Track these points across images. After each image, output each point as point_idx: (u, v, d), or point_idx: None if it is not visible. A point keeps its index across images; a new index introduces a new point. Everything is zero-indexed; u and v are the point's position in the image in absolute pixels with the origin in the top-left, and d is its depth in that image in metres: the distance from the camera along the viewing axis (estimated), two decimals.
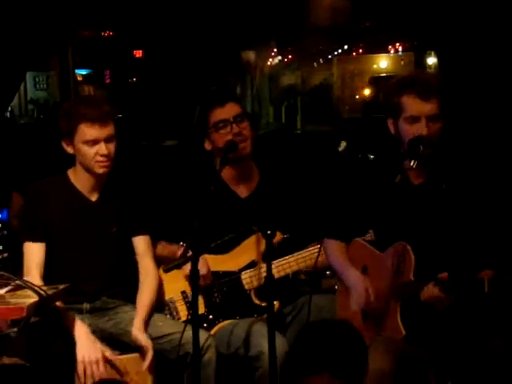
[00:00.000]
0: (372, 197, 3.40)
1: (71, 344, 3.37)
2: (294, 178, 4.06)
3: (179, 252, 3.69)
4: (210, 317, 3.77)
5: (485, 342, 3.14)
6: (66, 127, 3.56)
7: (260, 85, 25.88)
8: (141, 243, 3.70)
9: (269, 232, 3.20)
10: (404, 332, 3.16)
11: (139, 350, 3.48)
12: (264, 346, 3.45)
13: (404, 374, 3.06)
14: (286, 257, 3.77)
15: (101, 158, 3.53)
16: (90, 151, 3.53)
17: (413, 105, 3.23)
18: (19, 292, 3.02)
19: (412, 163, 3.19)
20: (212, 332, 3.69)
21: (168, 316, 3.76)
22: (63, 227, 3.61)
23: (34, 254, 3.56)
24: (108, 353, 3.40)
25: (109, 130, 3.54)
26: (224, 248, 3.72)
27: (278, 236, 3.72)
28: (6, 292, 3.02)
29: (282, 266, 3.76)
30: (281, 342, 3.39)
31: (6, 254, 4.08)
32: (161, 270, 3.74)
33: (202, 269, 3.61)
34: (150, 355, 3.43)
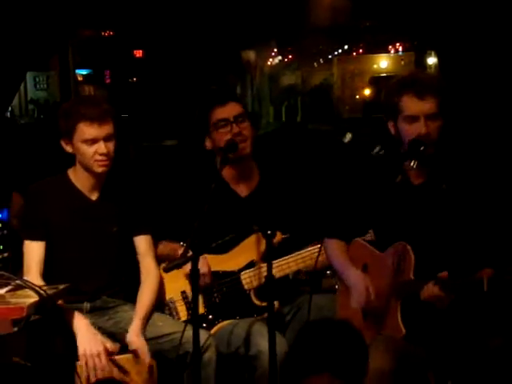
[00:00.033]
0: (373, 197, 3.40)
1: (71, 343, 3.37)
2: (294, 178, 4.06)
3: (180, 250, 3.70)
4: (210, 317, 3.77)
5: (485, 341, 3.14)
6: (65, 126, 3.57)
7: (260, 85, 25.88)
8: (142, 243, 3.70)
9: (269, 232, 3.20)
10: (404, 331, 3.16)
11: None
12: (263, 345, 3.46)
13: (404, 374, 3.06)
14: (286, 257, 3.77)
15: (100, 157, 3.54)
16: (89, 150, 3.53)
17: (411, 104, 3.24)
18: (19, 292, 3.03)
19: (412, 163, 3.20)
20: (212, 332, 3.69)
21: (168, 316, 3.76)
22: (63, 226, 3.61)
23: (34, 252, 3.56)
24: (109, 344, 3.40)
25: (108, 129, 3.54)
26: (223, 248, 3.72)
27: (278, 236, 3.72)
28: (7, 292, 3.02)
29: (282, 267, 3.76)
30: (280, 342, 3.39)
31: (6, 254, 4.08)
32: (161, 270, 3.74)
33: (203, 268, 3.61)
34: (145, 358, 3.42)
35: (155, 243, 3.78)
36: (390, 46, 26.44)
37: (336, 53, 27.33)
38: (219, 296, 3.79)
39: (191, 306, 3.70)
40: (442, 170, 3.33)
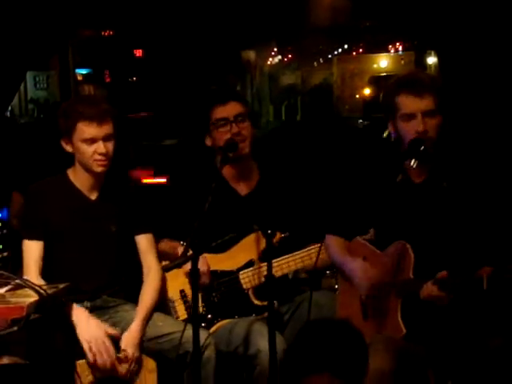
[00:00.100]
0: (373, 195, 3.40)
1: (71, 342, 3.37)
2: (294, 177, 4.06)
3: (179, 248, 3.70)
4: (209, 316, 3.77)
5: (485, 340, 3.14)
6: (64, 126, 3.57)
7: (260, 84, 25.88)
8: (143, 241, 3.71)
9: (269, 231, 3.20)
10: (404, 330, 3.16)
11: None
12: (262, 344, 3.46)
13: (404, 373, 3.06)
14: (285, 256, 3.77)
15: (99, 157, 3.54)
16: (89, 150, 3.53)
17: (408, 102, 3.25)
18: (19, 291, 3.03)
19: (412, 163, 3.20)
20: (211, 331, 3.69)
21: (168, 315, 3.76)
22: (63, 226, 3.62)
23: (33, 252, 3.57)
24: (110, 329, 3.41)
25: (107, 129, 3.55)
26: (222, 247, 3.72)
27: (277, 235, 3.72)
28: (6, 291, 3.02)
29: (280, 266, 3.76)
30: (278, 341, 3.39)
31: (5, 253, 4.09)
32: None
33: (202, 267, 3.61)
34: (125, 366, 3.42)
35: (156, 242, 3.78)
36: (390, 46, 26.44)
37: (336, 52, 27.34)
38: (218, 295, 3.79)
39: (190, 305, 3.71)
40: (442, 168, 3.34)
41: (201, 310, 3.72)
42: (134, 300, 3.65)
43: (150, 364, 3.53)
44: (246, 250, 3.79)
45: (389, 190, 3.34)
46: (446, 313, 3.16)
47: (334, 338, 2.62)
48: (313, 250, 3.74)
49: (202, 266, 3.54)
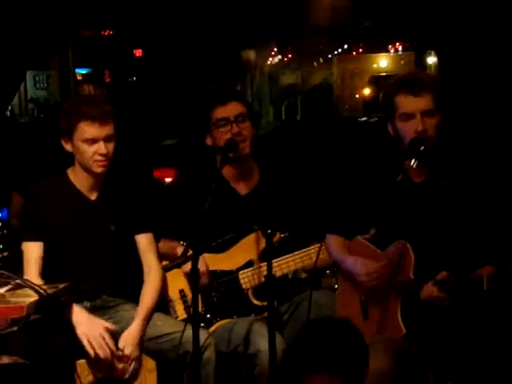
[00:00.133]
0: (373, 195, 3.40)
1: (71, 342, 3.37)
2: (294, 177, 4.06)
3: (178, 249, 3.70)
4: (208, 316, 3.77)
5: (484, 341, 3.14)
6: (65, 125, 3.57)
7: (260, 84, 25.91)
8: (143, 241, 3.70)
9: (269, 231, 3.20)
10: (404, 330, 3.16)
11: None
12: (261, 344, 3.46)
13: (404, 373, 3.06)
14: (285, 256, 3.77)
15: (99, 157, 3.53)
16: (89, 150, 3.53)
17: (406, 102, 3.26)
18: (19, 291, 3.02)
19: (412, 163, 3.20)
20: (210, 330, 3.69)
21: (168, 315, 3.76)
22: (63, 226, 3.61)
23: (33, 252, 3.56)
24: (108, 324, 3.41)
25: (108, 130, 3.54)
26: (222, 247, 3.71)
27: (277, 235, 3.72)
28: (6, 291, 3.02)
29: (280, 266, 3.76)
30: (278, 341, 3.39)
31: (6, 253, 4.08)
32: None
33: (201, 267, 3.61)
34: (122, 364, 3.42)
35: (156, 241, 3.78)
36: (390, 46, 26.48)
37: (336, 52, 27.37)
38: (217, 295, 3.79)
39: (189, 304, 3.71)
40: (442, 168, 3.34)
41: (200, 309, 3.72)
42: (134, 300, 3.65)
43: (149, 364, 3.53)
44: (245, 250, 3.79)
45: (389, 189, 3.34)
46: (446, 313, 3.16)
47: (333, 338, 2.62)
48: (312, 250, 3.74)
49: (200, 266, 3.54)
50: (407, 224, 3.30)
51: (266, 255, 3.29)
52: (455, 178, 3.31)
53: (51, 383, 3.26)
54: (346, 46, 27.01)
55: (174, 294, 3.80)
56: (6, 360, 3.09)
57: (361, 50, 27.31)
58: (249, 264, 3.79)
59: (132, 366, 3.44)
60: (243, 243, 3.79)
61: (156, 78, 20.18)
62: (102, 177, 3.63)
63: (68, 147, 3.61)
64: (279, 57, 27.44)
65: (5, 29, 6.34)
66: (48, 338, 3.30)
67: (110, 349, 3.37)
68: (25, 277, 3.25)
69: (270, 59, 27.01)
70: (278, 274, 3.73)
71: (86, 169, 3.59)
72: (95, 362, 3.40)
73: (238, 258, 3.80)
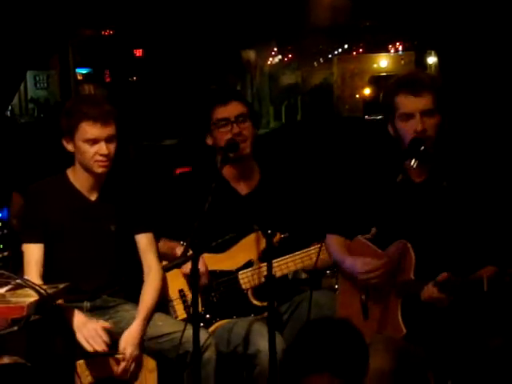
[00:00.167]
0: (374, 195, 3.40)
1: (71, 343, 3.37)
2: (295, 177, 4.06)
3: (177, 249, 3.70)
4: (207, 316, 3.77)
5: (485, 341, 3.14)
6: (67, 125, 3.56)
7: (260, 84, 25.90)
8: (143, 240, 3.70)
9: (269, 231, 3.20)
10: (405, 330, 3.16)
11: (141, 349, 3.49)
12: (261, 344, 3.46)
13: (404, 373, 3.06)
14: (285, 257, 3.77)
15: (100, 158, 3.53)
16: (90, 150, 3.53)
17: (406, 102, 3.26)
18: (19, 291, 3.02)
19: (413, 163, 3.20)
20: (209, 330, 3.69)
21: (168, 315, 3.76)
22: (63, 227, 3.61)
23: (33, 254, 3.56)
24: (104, 323, 3.41)
25: (110, 130, 3.54)
26: (222, 247, 3.72)
27: (277, 235, 3.73)
28: (7, 291, 3.02)
29: (280, 267, 3.76)
30: (277, 341, 3.39)
31: (6, 253, 4.08)
32: None
33: (201, 268, 3.61)
34: (123, 364, 3.43)
35: (156, 241, 3.78)
36: (390, 46, 26.48)
37: (336, 52, 27.37)
38: (217, 295, 3.79)
39: (189, 304, 3.71)
40: (442, 168, 3.34)
41: (199, 309, 3.72)
42: (134, 300, 3.65)
43: (150, 364, 3.53)
44: (245, 250, 3.79)
45: (389, 189, 3.34)
46: (446, 313, 3.16)
47: (334, 338, 2.62)
48: (312, 251, 3.74)
49: (199, 266, 3.54)
50: (407, 224, 3.30)
51: (266, 255, 3.29)
52: (455, 178, 3.31)
53: (51, 383, 3.26)
54: (346, 46, 27.01)
55: (173, 293, 3.80)
56: (6, 360, 3.09)
57: (361, 50, 27.31)
58: (248, 264, 3.79)
59: (132, 367, 3.45)
60: (243, 243, 3.79)
61: (156, 77, 20.18)
62: (102, 177, 3.63)
63: (69, 147, 3.60)
64: (279, 57, 27.44)
65: (5, 29, 6.34)
66: (48, 339, 3.30)
67: (105, 342, 3.36)
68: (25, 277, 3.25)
69: (270, 59, 27.00)
70: (278, 274, 3.73)
71: (87, 169, 3.59)
72: (95, 363, 3.40)
73: (237, 258, 3.80)
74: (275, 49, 26.47)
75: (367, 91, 24.37)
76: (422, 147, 3.20)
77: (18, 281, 3.05)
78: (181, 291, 3.80)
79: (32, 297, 2.94)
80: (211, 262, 3.76)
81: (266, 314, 3.67)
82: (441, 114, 3.28)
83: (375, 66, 26.56)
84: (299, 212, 3.92)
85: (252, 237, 3.77)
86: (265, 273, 3.65)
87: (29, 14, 6.48)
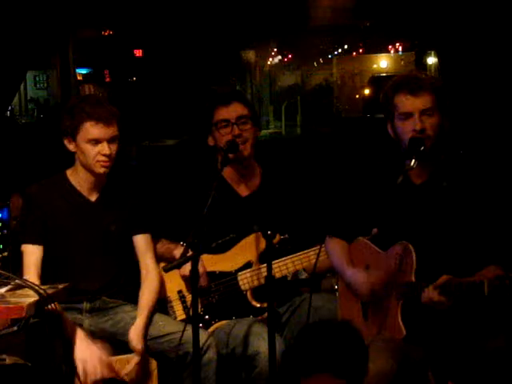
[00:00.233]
0: (374, 197, 3.39)
1: (70, 346, 3.36)
2: (296, 179, 4.05)
3: (176, 250, 3.70)
4: (206, 317, 3.76)
5: (484, 342, 3.13)
6: (69, 124, 3.55)
7: (260, 84, 25.90)
8: (141, 241, 3.70)
9: (269, 232, 3.19)
10: (405, 332, 3.16)
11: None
12: (260, 345, 3.46)
13: (404, 374, 3.06)
14: (284, 258, 3.77)
15: (102, 158, 3.53)
16: (93, 150, 3.52)
17: (405, 101, 3.25)
18: (19, 291, 3.02)
19: (413, 163, 3.19)
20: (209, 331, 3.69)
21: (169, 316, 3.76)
22: (63, 227, 3.60)
23: (32, 256, 3.55)
24: (104, 356, 3.39)
25: (112, 131, 3.53)
26: (221, 248, 3.71)
27: (277, 236, 3.72)
28: (6, 291, 3.02)
29: (279, 268, 3.75)
30: (276, 342, 3.39)
31: (5, 253, 4.08)
32: (160, 269, 3.74)
33: (199, 269, 3.60)
34: (135, 359, 3.44)
35: (154, 242, 3.77)
36: (390, 46, 26.48)
37: (336, 53, 27.38)
38: (216, 296, 3.78)
39: (188, 305, 3.71)
40: (443, 169, 3.33)
41: (198, 310, 3.72)
42: (133, 301, 3.64)
43: (150, 364, 3.53)
44: (244, 251, 3.79)
45: (389, 191, 3.33)
46: (446, 315, 3.16)
47: (334, 339, 2.62)
48: (312, 253, 3.74)
49: (198, 267, 3.54)
50: (408, 226, 3.29)
51: (266, 256, 3.29)
52: (456, 179, 3.31)
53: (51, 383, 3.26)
54: (346, 47, 27.02)
55: (172, 294, 3.80)
56: (5, 360, 3.09)
57: (361, 51, 27.31)
58: (247, 265, 3.79)
59: (137, 369, 3.44)
60: (243, 244, 3.78)
61: (156, 78, 20.18)
62: (102, 177, 3.62)
63: (71, 147, 3.59)
64: (279, 57, 27.45)
65: (5, 29, 6.34)
66: (48, 339, 3.29)
67: (99, 377, 3.35)
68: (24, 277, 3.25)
69: (270, 59, 27.02)
70: (277, 275, 3.72)
71: (88, 169, 3.58)
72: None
73: (236, 259, 3.79)
74: (275, 49, 26.49)
75: (367, 92, 24.37)
76: (422, 147, 3.20)
77: (17, 281, 3.05)
78: (180, 292, 3.80)
79: (31, 297, 2.93)
80: (210, 262, 3.75)
81: (265, 315, 3.67)
82: (440, 114, 3.27)
83: (375, 66, 26.57)
84: (299, 214, 3.91)
85: (251, 238, 3.77)
86: (264, 274, 3.65)
87: (29, 13, 6.47)
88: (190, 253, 3.22)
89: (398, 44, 26.12)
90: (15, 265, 3.72)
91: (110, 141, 3.52)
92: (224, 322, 3.75)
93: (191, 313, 3.14)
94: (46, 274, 3.54)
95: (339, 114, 24.28)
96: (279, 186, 3.93)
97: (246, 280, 3.78)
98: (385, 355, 3.04)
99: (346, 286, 3.46)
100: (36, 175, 3.83)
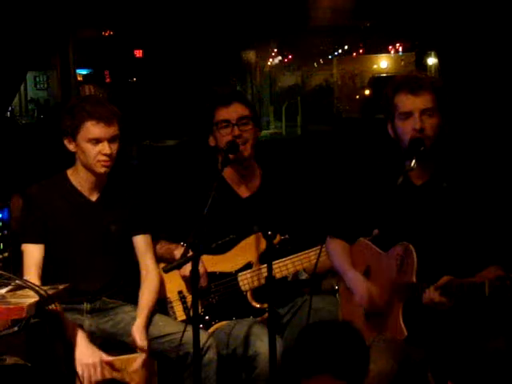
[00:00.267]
0: (375, 198, 3.39)
1: (71, 347, 3.36)
2: (296, 180, 4.05)
3: (175, 251, 3.70)
4: (207, 317, 3.76)
5: (485, 343, 3.13)
6: (70, 124, 3.55)
7: (260, 85, 25.91)
8: (141, 242, 3.70)
9: (269, 233, 3.19)
10: (406, 333, 3.15)
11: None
12: (260, 346, 3.46)
13: (404, 375, 3.06)
14: (284, 259, 3.77)
15: (103, 158, 3.53)
16: (93, 150, 3.52)
17: (405, 101, 3.26)
18: (19, 292, 3.02)
19: (413, 164, 3.19)
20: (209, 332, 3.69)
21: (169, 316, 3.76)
22: (63, 227, 3.60)
23: (33, 255, 3.55)
24: (104, 356, 3.39)
25: (113, 131, 3.54)
26: (222, 248, 3.71)
27: (277, 237, 3.72)
28: (7, 292, 3.02)
29: (279, 268, 3.76)
30: (277, 343, 3.39)
31: (6, 254, 4.08)
32: (160, 270, 3.74)
33: (199, 270, 3.60)
34: (142, 356, 3.43)
35: (154, 242, 3.77)
36: (390, 46, 26.48)
37: (336, 53, 27.38)
38: (216, 297, 3.78)
39: (188, 306, 3.71)
40: (443, 170, 3.33)
41: (199, 311, 3.72)
42: (134, 301, 3.64)
43: (151, 364, 3.53)
44: (244, 252, 3.79)
45: (390, 192, 3.33)
46: (447, 316, 3.16)
47: (334, 340, 2.62)
48: (312, 253, 3.74)
49: (199, 268, 3.53)
50: (408, 227, 3.29)
51: (266, 257, 3.29)
52: (456, 179, 3.31)
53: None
54: (346, 47, 27.02)
55: (172, 295, 3.80)
56: (5, 361, 3.09)
57: (361, 51, 27.32)
58: (248, 266, 3.79)
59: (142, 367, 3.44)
60: (242, 245, 3.78)
61: (156, 78, 20.18)
62: (103, 177, 3.62)
63: (71, 147, 3.59)
64: (279, 57, 27.46)
65: (5, 29, 6.34)
66: (48, 340, 3.29)
67: (102, 377, 3.35)
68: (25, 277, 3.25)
69: (271, 60, 27.02)
70: (277, 276, 3.73)
71: (88, 169, 3.58)
72: None
73: (236, 259, 3.79)
74: (275, 49, 26.50)
75: (367, 92, 24.37)
76: (422, 147, 3.20)
77: (18, 282, 3.05)
78: (180, 293, 3.80)
79: (32, 298, 2.93)
80: (211, 263, 3.75)
81: (265, 315, 3.67)
82: (441, 114, 3.27)
83: (375, 66, 26.57)
84: (300, 215, 3.91)
85: (251, 239, 3.77)
86: (264, 274, 3.65)
87: (29, 14, 6.47)
88: (191, 253, 3.22)
89: (398, 44, 26.12)
90: (16, 265, 3.73)
91: (110, 140, 3.52)
92: (224, 322, 3.75)
93: (191, 313, 3.14)
94: (46, 275, 3.54)
95: (339, 115, 24.28)
96: (279, 187, 3.93)
97: (246, 281, 3.78)
98: (386, 356, 3.05)
99: (346, 287, 3.46)
100: (36, 176, 3.83)
